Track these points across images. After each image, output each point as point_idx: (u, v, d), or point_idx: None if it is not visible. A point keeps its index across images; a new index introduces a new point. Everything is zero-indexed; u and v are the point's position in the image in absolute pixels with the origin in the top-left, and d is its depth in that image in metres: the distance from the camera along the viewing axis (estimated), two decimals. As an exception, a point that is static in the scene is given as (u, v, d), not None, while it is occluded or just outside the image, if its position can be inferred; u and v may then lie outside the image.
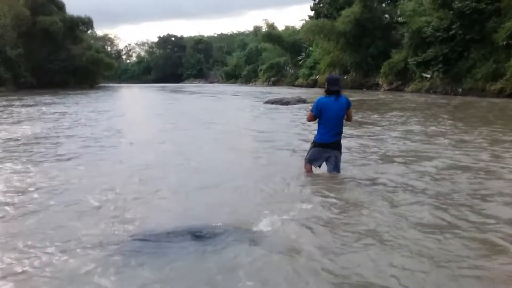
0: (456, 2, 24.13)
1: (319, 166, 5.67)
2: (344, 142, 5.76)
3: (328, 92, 5.48)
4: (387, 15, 37.64)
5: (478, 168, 6.09)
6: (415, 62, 27.39)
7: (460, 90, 24.59)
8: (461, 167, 6.12)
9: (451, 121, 12.11)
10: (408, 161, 6.61)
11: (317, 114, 5.46)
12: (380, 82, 34.37)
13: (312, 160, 5.64)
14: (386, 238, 3.56)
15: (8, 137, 9.71)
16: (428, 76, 27.75)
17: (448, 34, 24.57)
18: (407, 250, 3.31)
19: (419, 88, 28.51)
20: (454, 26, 24.30)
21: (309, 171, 5.71)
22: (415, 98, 22.68)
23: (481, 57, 23.49)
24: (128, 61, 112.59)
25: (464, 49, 24.35)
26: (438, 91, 26.21)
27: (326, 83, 5.64)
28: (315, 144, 5.59)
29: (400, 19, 32.87)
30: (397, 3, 36.45)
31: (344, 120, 5.54)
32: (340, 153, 5.61)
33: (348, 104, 5.46)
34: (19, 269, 3.10)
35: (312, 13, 48.00)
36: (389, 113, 14.57)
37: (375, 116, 13.68)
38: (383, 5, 40.23)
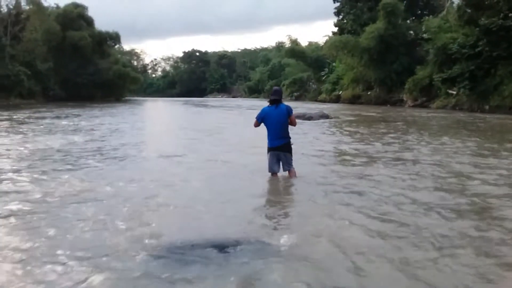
0: (483, 19, 23.88)
1: (278, 171, 6.40)
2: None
3: (270, 102, 6.36)
4: (411, 32, 37.46)
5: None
6: (440, 79, 27.08)
7: (487, 107, 24.15)
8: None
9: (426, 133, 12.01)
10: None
11: (260, 121, 6.38)
12: (405, 98, 34.05)
13: (271, 169, 6.40)
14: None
15: (40, 148, 10.01)
16: (454, 93, 27.35)
17: (474, 50, 24.26)
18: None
19: (445, 105, 28.11)
20: (480, 43, 23.99)
21: (275, 177, 6.44)
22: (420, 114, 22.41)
23: (509, 74, 23.08)
24: (153, 75, 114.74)
25: (491, 66, 23.97)
26: (464, 108, 25.79)
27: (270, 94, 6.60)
28: (268, 149, 6.40)
29: (425, 35, 32.63)
30: (422, 20, 36.26)
31: (288, 125, 6.35)
32: (290, 153, 6.35)
33: (288, 111, 6.26)
34: (41, 281, 3.18)
35: (335, 29, 48.17)
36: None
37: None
38: (408, 21, 40.12)
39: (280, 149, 6.30)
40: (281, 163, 6.38)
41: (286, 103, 6.55)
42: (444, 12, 32.31)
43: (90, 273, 3.20)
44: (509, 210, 4.82)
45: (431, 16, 36.86)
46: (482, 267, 3.32)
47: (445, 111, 25.77)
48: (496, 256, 3.53)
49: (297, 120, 6.95)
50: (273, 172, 6.42)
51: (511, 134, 14.00)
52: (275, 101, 6.32)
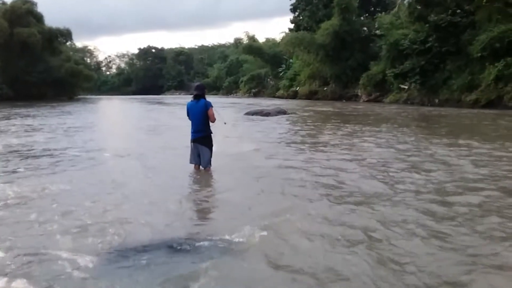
0: (432, 16, 24.80)
1: (196, 162, 6.69)
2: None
3: (193, 97, 6.67)
4: (365, 28, 38.39)
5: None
6: (392, 74, 27.95)
7: (436, 101, 25.12)
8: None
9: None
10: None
11: (187, 115, 6.72)
12: (359, 94, 34.88)
13: (191, 160, 6.71)
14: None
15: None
16: (406, 87, 28.29)
17: (424, 46, 25.18)
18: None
19: (397, 99, 29.03)
20: (430, 39, 24.93)
21: (196, 169, 6.75)
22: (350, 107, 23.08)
23: (457, 68, 24.11)
24: (108, 73, 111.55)
25: (440, 61, 24.96)
26: (416, 102, 26.73)
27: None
28: (191, 141, 6.71)
29: (378, 32, 33.55)
30: (375, 16, 37.23)
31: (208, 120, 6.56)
32: (208, 148, 6.65)
33: (206, 106, 6.51)
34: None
35: (292, 26, 48.61)
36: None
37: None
38: (362, 18, 41.06)
39: (197, 142, 6.63)
40: (200, 158, 6.68)
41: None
42: (396, 9, 33.29)
43: (38, 272, 3.06)
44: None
45: (383, 13, 37.91)
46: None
47: (397, 105, 26.58)
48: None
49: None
50: (194, 164, 6.73)
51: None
52: (197, 96, 6.62)
